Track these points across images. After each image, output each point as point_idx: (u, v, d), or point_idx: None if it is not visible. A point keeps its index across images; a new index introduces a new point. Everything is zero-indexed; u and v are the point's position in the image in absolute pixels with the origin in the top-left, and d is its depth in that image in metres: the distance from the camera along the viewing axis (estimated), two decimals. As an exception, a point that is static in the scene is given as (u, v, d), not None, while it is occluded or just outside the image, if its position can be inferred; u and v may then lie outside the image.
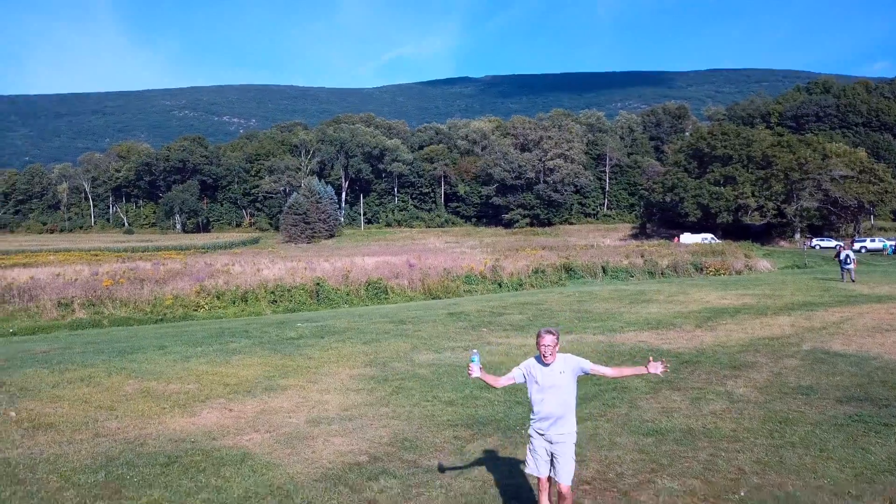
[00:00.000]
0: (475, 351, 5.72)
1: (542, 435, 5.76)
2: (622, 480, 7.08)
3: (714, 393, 10.65)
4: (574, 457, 5.79)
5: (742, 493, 6.64)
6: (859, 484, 6.90)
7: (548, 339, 5.63)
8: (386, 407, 10.00)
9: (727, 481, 6.99)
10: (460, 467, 7.44)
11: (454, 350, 14.49)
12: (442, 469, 7.35)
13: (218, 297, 25.04)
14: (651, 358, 5.76)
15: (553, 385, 5.66)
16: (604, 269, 37.89)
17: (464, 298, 27.84)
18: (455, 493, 6.76)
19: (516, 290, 31.80)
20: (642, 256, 42.33)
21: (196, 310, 23.88)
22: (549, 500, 5.87)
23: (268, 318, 21.73)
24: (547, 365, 5.67)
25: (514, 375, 5.83)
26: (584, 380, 11.62)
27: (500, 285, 32.14)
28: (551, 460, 5.79)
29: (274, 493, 6.78)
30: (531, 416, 5.86)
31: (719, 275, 39.41)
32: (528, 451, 5.96)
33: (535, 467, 5.87)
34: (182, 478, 7.17)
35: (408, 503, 6.52)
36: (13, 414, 9.49)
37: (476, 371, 5.66)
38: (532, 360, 5.82)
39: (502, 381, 5.87)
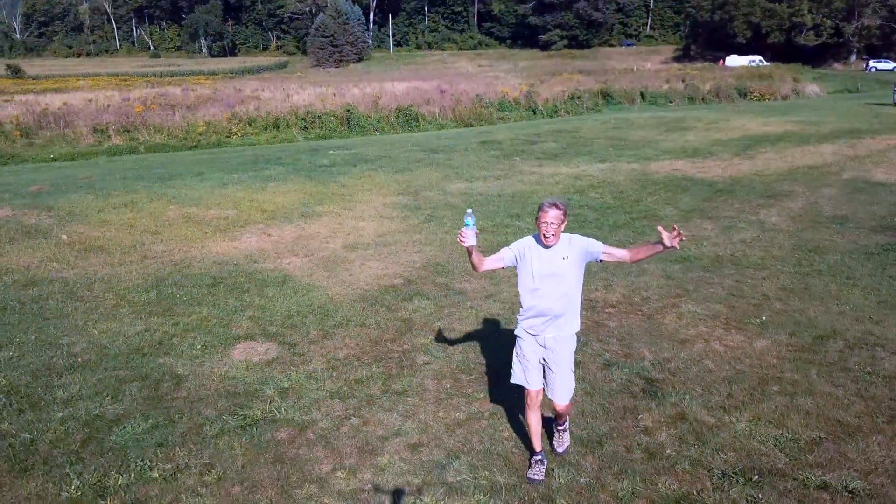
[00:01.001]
0: (470, 211, 4.14)
1: (534, 336, 4.36)
2: (647, 304, 7.32)
3: (746, 222, 10.65)
4: (573, 368, 4.42)
5: (763, 318, 6.85)
6: (882, 310, 7.04)
7: (552, 215, 4.14)
8: (419, 234, 10.25)
9: (750, 307, 7.19)
10: (490, 293, 7.74)
11: (486, 179, 14.50)
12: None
13: (250, 124, 25.02)
14: (661, 227, 4.25)
15: (553, 273, 4.24)
16: (642, 95, 36.54)
17: (496, 126, 27.38)
18: (485, 314, 7.10)
19: (551, 116, 31.07)
20: (683, 81, 40.55)
21: (228, 136, 24.00)
22: (540, 416, 4.51)
23: (300, 146, 21.78)
24: (548, 247, 4.23)
25: (504, 257, 4.36)
26: (615, 206, 11.69)
27: (534, 112, 31.37)
28: (544, 370, 4.45)
29: (315, 311, 7.19)
30: (520, 312, 4.44)
31: (764, 100, 37.80)
32: (513, 356, 4.52)
33: (524, 377, 4.44)
34: (228, 297, 7.62)
35: (440, 322, 6.89)
36: (65, 237, 9.98)
37: (470, 238, 4.12)
38: (528, 240, 4.35)
39: (487, 264, 4.35)
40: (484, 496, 4.17)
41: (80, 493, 4.13)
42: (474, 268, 4.32)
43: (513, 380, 4.52)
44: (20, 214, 11.24)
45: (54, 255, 9.16)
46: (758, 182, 13.67)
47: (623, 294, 7.63)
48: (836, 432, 4.84)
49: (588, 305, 7.29)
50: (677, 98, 37.15)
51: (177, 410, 5.19)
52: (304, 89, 35.76)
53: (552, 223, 4.14)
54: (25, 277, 8.24)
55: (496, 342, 6.37)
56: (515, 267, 4.39)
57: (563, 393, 4.38)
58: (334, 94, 31.23)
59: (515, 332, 4.49)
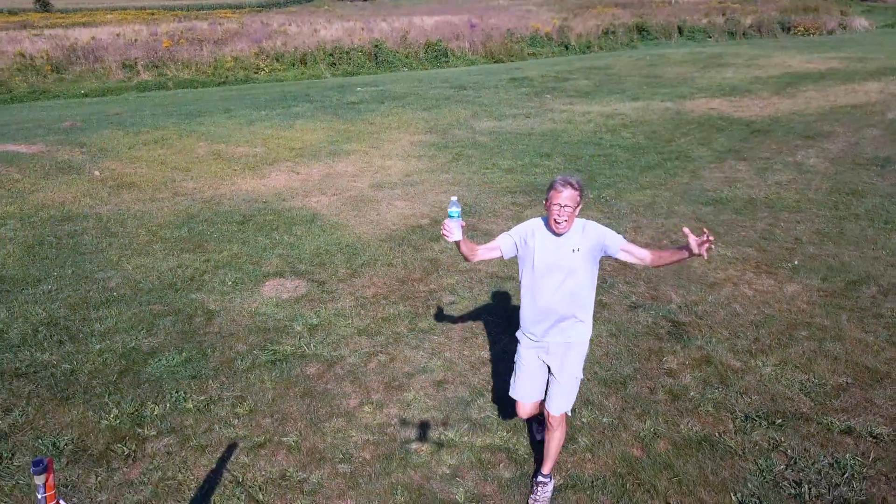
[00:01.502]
0: (454, 199, 3.45)
1: (536, 342, 3.64)
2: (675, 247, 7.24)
3: (782, 163, 10.37)
4: (580, 377, 3.69)
5: (795, 262, 6.74)
6: (919, 256, 6.87)
7: (566, 195, 3.33)
8: (446, 174, 10.18)
9: (782, 250, 7.06)
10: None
11: (515, 118, 14.25)
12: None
13: (277, 60, 24.76)
14: (687, 229, 3.32)
15: (559, 266, 3.46)
16: (680, 30, 35.22)
17: (527, 62, 26.73)
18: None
19: (584, 52, 30.20)
20: (723, 15, 38.92)
21: (256, 72, 23.82)
22: (545, 430, 3.81)
23: (327, 82, 21.55)
24: (558, 235, 3.45)
25: (502, 245, 3.62)
26: (647, 146, 11.44)
27: (566, 48, 30.50)
28: (545, 378, 3.75)
29: (343, 250, 7.25)
30: (521, 310, 3.71)
31: (809, 35, 36.21)
32: (515, 364, 3.83)
33: (521, 388, 3.75)
34: (258, 235, 7.71)
35: (466, 262, 6.90)
36: (98, 173, 10.11)
37: (455, 232, 3.42)
38: (533, 225, 3.58)
39: (480, 253, 3.63)
40: (507, 433, 4.25)
41: (118, 422, 4.31)
42: (465, 258, 3.63)
43: (511, 393, 3.83)
44: (53, 150, 11.39)
45: (88, 191, 9.31)
46: (797, 121, 13.23)
47: (652, 236, 7.54)
48: (863, 378, 4.80)
49: (616, 247, 7.23)
50: (717, 33, 35.76)
51: (209, 344, 5.33)
52: (332, 24, 35.11)
53: (566, 206, 3.33)
54: (61, 213, 8.41)
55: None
56: (516, 257, 3.66)
57: (559, 401, 3.64)
58: (362, 29, 30.63)
59: (517, 334, 3.80)
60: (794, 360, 5.03)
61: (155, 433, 4.22)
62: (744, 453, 4.03)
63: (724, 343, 5.30)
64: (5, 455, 3.96)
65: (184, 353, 5.18)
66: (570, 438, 4.19)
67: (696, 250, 3.24)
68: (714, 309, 5.86)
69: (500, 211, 8.42)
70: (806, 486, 3.73)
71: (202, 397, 4.61)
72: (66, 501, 2.31)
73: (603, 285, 6.37)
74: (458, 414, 4.45)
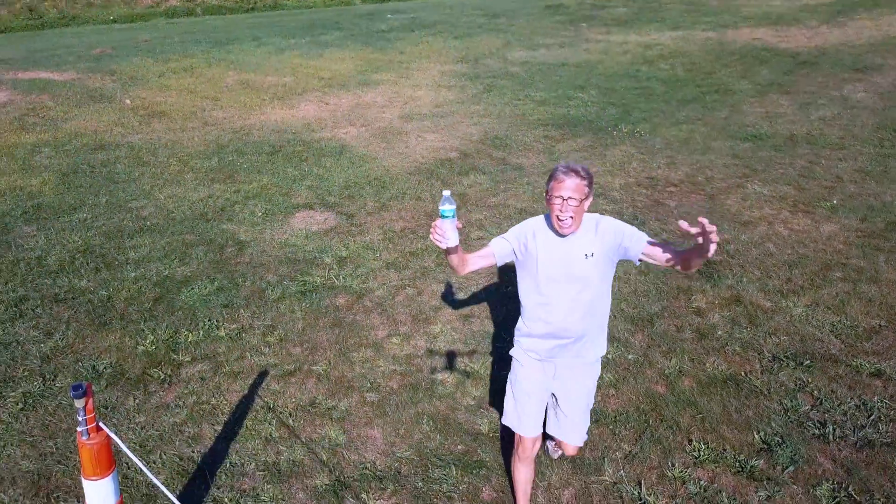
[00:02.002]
0: (447, 195, 2.56)
1: (540, 361, 2.99)
2: (711, 184, 7.07)
3: (827, 98, 9.96)
4: (593, 402, 3.11)
5: (834, 201, 6.56)
6: (966, 197, 6.63)
7: (569, 185, 2.64)
8: (477, 105, 9.99)
9: (822, 189, 6.86)
10: (550, 169, 7.59)
11: (549, 47, 13.83)
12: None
13: (306, -15, 24.21)
14: (684, 224, 2.38)
15: (570, 277, 2.78)
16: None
17: (563, -12, 25.72)
18: (541, 190, 7.00)
19: (622, -22, 28.93)
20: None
21: (285, -1, 23.37)
22: (533, 469, 3.19)
23: (357, 9, 21.06)
24: (564, 237, 2.76)
25: (497, 252, 2.89)
26: (686, 79, 11.06)
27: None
28: (549, 407, 3.13)
29: (371, 183, 7.23)
30: (517, 326, 3.06)
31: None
32: (508, 387, 3.12)
33: (517, 416, 3.05)
34: (287, 166, 7.71)
35: (495, 197, 6.85)
36: (128, 102, 10.13)
37: (451, 237, 2.59)
38: (534, 224, 2.88)
39: (471, 262, 2.87)
40: (532, 367, 4.29)
41: (154, 347, 4.45)
42: (454, 269, 2.88)
43: (504, 420, 3.13)
44: (85, 78, 11.41)
45: (119, 119, 9.36)
46: (846, 53, 12.63)
47: (686, 172, 7.37)
48: (897, 321, 4.72)
49: (648, 184, 7.10)
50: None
51: (240, 274, 5.42)
52: (362, -53, 34.01)
53: (571, 198, 2.63)
54: (94, 141, 8.49)
55: (551, 218, 6.33)
56: (514, 264, 2.95)
57: (575, 432, 3.11)
58: (393, -47, 29.64)
59: (511, 353, 3.11)
60: (827, 302, 4.96)
61: (189, 359, 4.35)
62: (769, 393, 4.03)
63: (755, 283, 5.23)
64: (48, 377, 4.13)
65: (216, 283, 5.28)
66: (594, 374, 4.21)
67: (702, 245, 2.42)
68: (747, 248, 5.76)
69: (531, 144, 8.28)
70: (830, 427, 3.73)
71: (234, 326, 4.72)
72: (105, 423, 2.40)
73: (634, 222, 6.28)
74: (483, 347, 4.50)
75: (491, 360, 4.37)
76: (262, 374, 4.20)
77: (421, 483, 3.37)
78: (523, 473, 3.11)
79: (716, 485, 3.35)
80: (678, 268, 2.64)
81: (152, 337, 4.55)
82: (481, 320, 4.81)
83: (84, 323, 4.73)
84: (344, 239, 6.01)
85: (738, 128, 8.72)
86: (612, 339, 4.57)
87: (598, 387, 4.12)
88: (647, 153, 7.89)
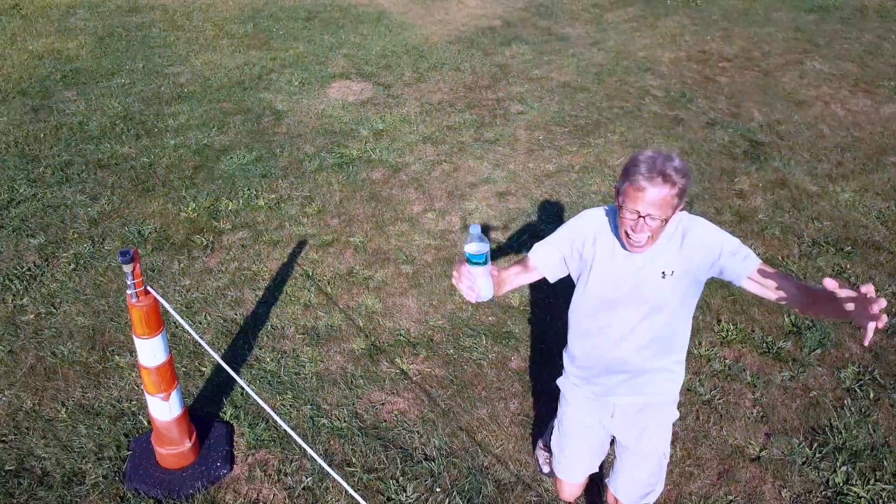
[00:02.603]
0: (476, 232, 1.85)
1: (593, 399, 2.29)
2: (767, 60, 6.69)
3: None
4: (667, 453, 2.32)
5: (899, 81, 6.17)
6: None
7: (650, 197, 1.83)
8: (522, -32, 9.41)
9: (887, 67, 6.44)
10: (595, 39, 7.22)
11: None
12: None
13: None
14: (832, 284, 1.64)
15: (637, 298, 2.05)
16: None
17: None
18: (587, 62, 6.71)
19: None
20: None
21: None
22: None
23: None
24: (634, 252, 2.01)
25: (541, 264, 2.14)
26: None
27: None
28: (607, 447, 2.46)
29: (409, 52, 7.00)
30: (566, 349, 2.35)
31: None
32: (556, 421, 2.49)
33: (568, 461, 2.45)
34: (323, 33, 7.48)
35: (538, 70, 6.60)
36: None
37: (482, 289, 1.91)
38: (596, 224, 2.10)
39: (508, 283, 2.13)
40: (566, 245, 4.29)
41: (196, 215, 4.56)
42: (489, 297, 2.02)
43: (545, 469, 2.76)
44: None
45: (152, -19, 9.09)
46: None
47: (742, 47, 6.95)
48: (949, 210, 4.56)
49: (700, 58, 6.75)
50: None
51: (278, 145, 5.43)
52: None
53: (650, 216, 1.85)
54: (127, 3, 8.31)
55: (596, 93, 6.11)
56: (570, 276, 2.19)
57: (632, 490, 2.34)
58: None
59: (558, 383, 2.43)
60: (877, 187, 4.79)
61: (230, 227, 4.46)
62: (805, 278, 4.00)
63: (804, 165, 5.05)
64: (97, 240, 4.30)
65: (254, 152, 5.30)
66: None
67: (858, 321, 1.63)
68: (798, 129, 5.52)
69: (578, 13, 7.86)
70: (864, 313, 3.72)
71: (272, 195, 4.79)
72: (152, 287, 2.51)
73: (681, 99, 6.04)
74: (517, 224, 4.51)
75: (526, 236, 4.39)
76: (301, 244, 4.30)
77: (452, 350, 3.51)
78: None
79: (740, 364, 3.42)
80: (795, 309, 1.96)
81: (194, 204, 4.65)
82: (517, 198, 4.78)
83: (128, 189, 4.84)
84: (380, 111, 5.92)
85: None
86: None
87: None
88: (701, 25, 7.43)
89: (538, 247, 2.14)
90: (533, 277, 2.15)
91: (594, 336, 2.15)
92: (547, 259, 2.11)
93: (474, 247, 1.83)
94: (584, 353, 2.22)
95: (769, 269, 1.91)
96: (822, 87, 6.13)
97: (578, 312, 2.19)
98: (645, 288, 2.01)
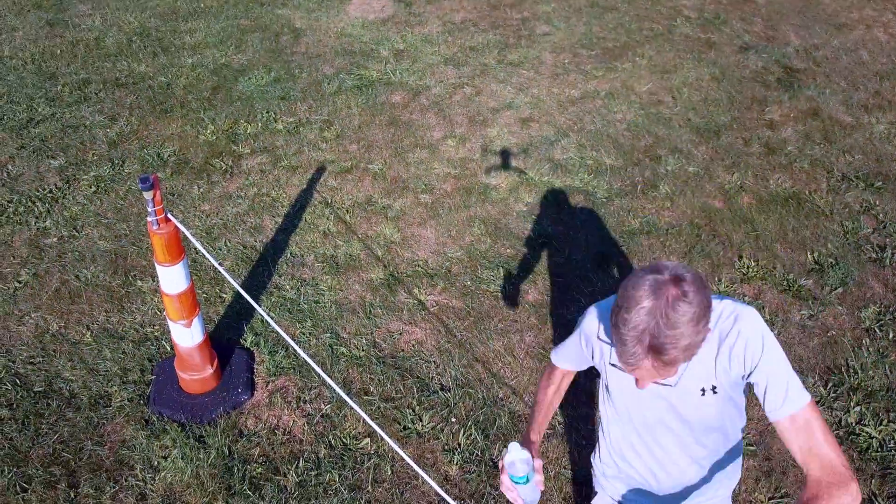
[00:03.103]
0: (520, 457, 1.57)
1: (634, 497, 1.83)
2: (809, -22, 6.32)
3: None
4: None
5: (950, 4, 5.83)
6: None
7: (647, 372, 1.39)
8: None
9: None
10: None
11: None
12: None
13: None
14: None
15: (675, 420, 1.60)
16: None
17: None
18: (617, -20, 6.41)
19: None
20: None
21: None
22: None
23: None
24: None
25: (571, 364, 1.81)
26: None
27: None
28: None
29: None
30: (595, 453, 1.91)
31: None
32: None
33: None
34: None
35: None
36: None
37: (531, 499, 1.60)
38: (600, 339, 1.66)
39: (556, 402, 1.87)
40: (588, 175, 4.24)
41: (214, 138, 4.53)
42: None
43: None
44: None
45: None
46: None
47: (783, -37, 6.58)
48: None
49: (738, -24, 6.39)
50: None
51: (296, 65, 5.31)
52: None
53: (645, 381, 1.47)
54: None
55: (626, 14, 5.85)
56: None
57: None
58: None
59: (594, 472, 1.95)
60: (915, 120, 4.61)
61: (249, 151, 4.43)
62: (831, 214, 3.92)
63: (839, 95, 4.86)
64: (116, 162, 4.30)
65: (272, 73, 5.20)
66: (651, 185, 4.14)
67: None
68: (836, 55, 5.28)
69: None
70: (889, 252, 3.66)
71: (291, 119, 4.73)
72: (172, 213, 2.52)
73: (715, 21, 5.77)
74: (540, 153, 4.43)
75: (547, 165, 4.31)
76: (320, 170, 4.27)
77: (469, 282, 3.52)
78: None
79: (759, 300, 3.40)
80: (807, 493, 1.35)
81: (212, 127, 4.61)
82: (540, 125, 4.68)
83: (146, 110, 4.80)
84: (401, 30, 5.74)
85: None
86: (673, 150, 4.41)
87: (653, 199, 4.06)
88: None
89: (555, 356, 1.84)
90: (567, 381, 1.88)
91: (629, 448, 1.75)
92: (570, 358, 1.80)
93: (518, 467, 1.59)
94: (619, 458, 1.80)
95: (812, 428, 1.42)
96: (866, 10, 5.82)
97: (611, 414, 1.75)
98: (684, 406, 1.57)
